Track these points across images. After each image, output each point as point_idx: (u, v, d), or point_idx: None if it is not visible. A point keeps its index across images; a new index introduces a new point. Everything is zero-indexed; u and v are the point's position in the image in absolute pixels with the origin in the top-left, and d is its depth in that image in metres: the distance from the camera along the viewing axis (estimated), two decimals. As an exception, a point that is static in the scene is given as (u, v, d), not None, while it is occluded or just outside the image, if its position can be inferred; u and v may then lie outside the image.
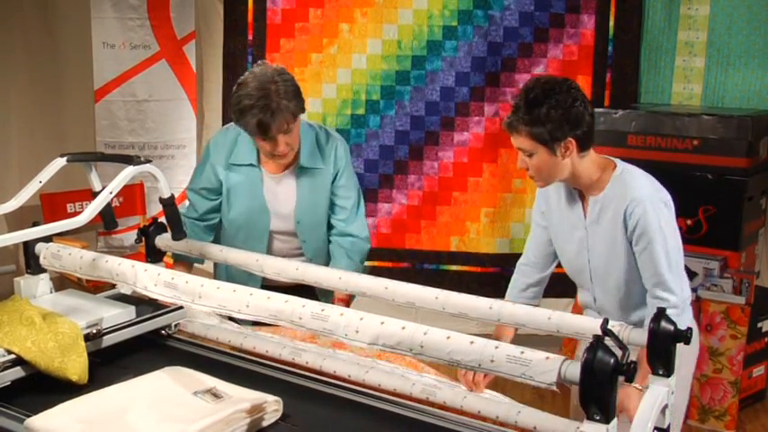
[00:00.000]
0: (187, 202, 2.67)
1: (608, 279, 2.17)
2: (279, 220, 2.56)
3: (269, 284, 2.27)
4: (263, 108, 2.27)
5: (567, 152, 2.07)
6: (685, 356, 2.16)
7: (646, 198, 2.07)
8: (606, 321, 1.40)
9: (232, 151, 2.53)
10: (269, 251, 2.54)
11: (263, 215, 2.54)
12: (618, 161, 2.20)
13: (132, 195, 4.37)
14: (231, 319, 2.20)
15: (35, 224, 1.94)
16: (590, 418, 1.28)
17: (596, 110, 3.86)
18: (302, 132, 2.47)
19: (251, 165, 2.52)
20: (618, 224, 2.11)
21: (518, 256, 2.42)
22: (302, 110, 2.38)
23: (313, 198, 2.55)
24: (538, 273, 2.36)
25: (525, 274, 2.39)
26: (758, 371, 3.75)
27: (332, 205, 2.60)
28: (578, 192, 2.21)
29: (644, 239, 2.06)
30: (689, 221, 3.55)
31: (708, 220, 3.57)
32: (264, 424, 1.68)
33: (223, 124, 4.40)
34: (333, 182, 2.57)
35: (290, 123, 2.34)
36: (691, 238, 3.56)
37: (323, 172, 2.54)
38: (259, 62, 2.43)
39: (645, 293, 2.10)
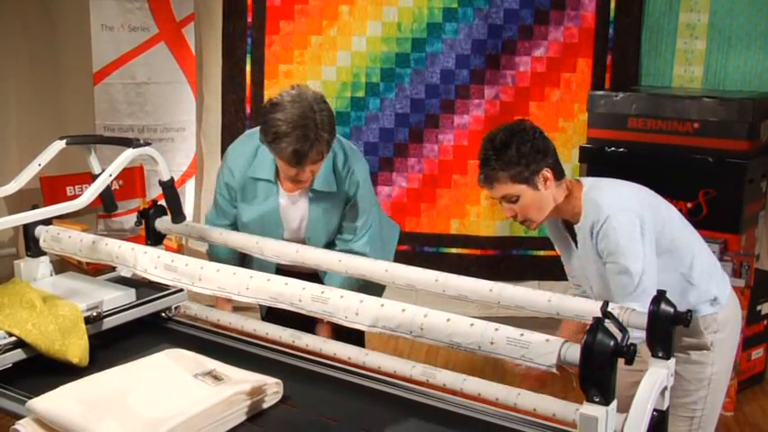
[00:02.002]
0: (214, 210, 2.61)
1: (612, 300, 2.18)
2: (290, 234, 2.53)
3: (286, 272, 2.22)
4: (301, 138, 2.20)
5: (547, 183, 2.11)
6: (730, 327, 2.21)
7: (608, 216, 2.07)
8: (606, 304, 1.40)
9: (251, 163, 2.47)
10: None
11: (276, 229, 2.50)
12: (585, 180, 2.22)
13: (132, 178, 4.37)
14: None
15: (35, 207, 1.94)
16: (589, 399, 1.28)
17: (597, 93, 3.89)
18: None
19: (268, 180, 2.47)
20: (593, 247, 2.14)
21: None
22: (335, 139, 2.34)
23: (324, 219, 2.50)
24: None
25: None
26: (757, 353, 3.77)
27: (340, 223, 2.55)
28: (564, 224, 2.25)
29: (610, 257, 2.09)
30: (689, 204, 3.55)
31: (708, 202, 3.57)
32: (265, 406, 1.69)
33: (222, 107, 4.41)
34: (344, 205, 2.52)
35: (325, 154, 2.30)
36: (690, 220, 3.53)
37: (336, 195, 2.48)
38: (295, 85, 2.33)
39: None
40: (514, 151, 2.08)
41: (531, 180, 2.10)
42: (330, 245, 2.54)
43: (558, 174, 2.15)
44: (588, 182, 2.21)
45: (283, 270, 2.25)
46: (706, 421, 2.22)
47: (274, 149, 2.27)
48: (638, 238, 2.06)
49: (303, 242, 2.49)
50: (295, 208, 2.51)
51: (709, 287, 2.19)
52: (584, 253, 2.20)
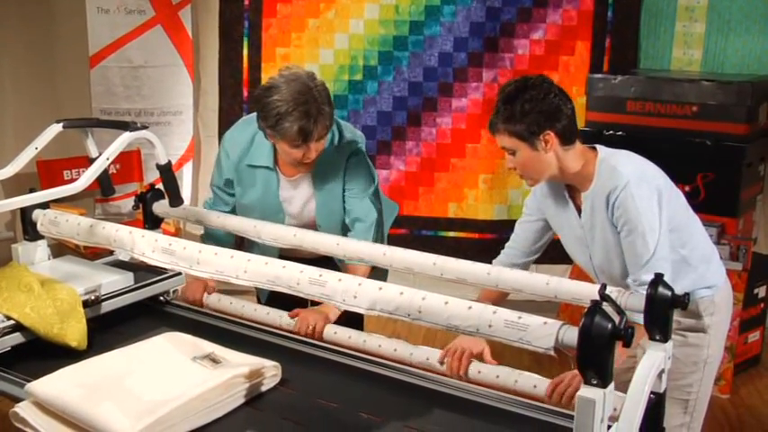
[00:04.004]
0: (211, 199, 2.59)
1: (613, 273, 2.13)
2: (293, 219, 2.49)
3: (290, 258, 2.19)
4: (304, 114, 2.18)
5: (549, 146, 2.04)
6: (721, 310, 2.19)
7: (627, 183, 2.02)
8: (604, 287, 1.40)
9: (248, 150, 2.44)
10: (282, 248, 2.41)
11: (276, 215, 2.46)
12: (600, 148, 2.15)
13: (129, 162, 4.35)
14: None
15: (32, 191, 1.94)
16: (587, 382, 1.29)
17: (595, 76, 3.88)
18: None
19: (267, 167, 2.44)
20: (607, 215, 2.07)
21: (515, 222, 2.40)
22: (334, 111, 2.32)
23: (332, 202, 2.47)
24: (524, 258, 2.33)
25: (512, 257, 2.33)
26: (753, 336, 3.78)
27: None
28: (569, 190, 2.17)
29: (626, 226, 2.03)
30: (687, 188, 3.54)
31: (706, 186, 3.56)
32: (263, 389, 1.69)
33: (219, 90, 4.39)
34: (343, 185, 2.48)
35: (329, 128, 2.27)
36: (689, 204, 3.56)
37: (336, 177, 2.45)
38: (285, 67, 2.32)
39: None
40: (518, 107, 2.02)
41: (529, 139, 2.04)
42: (339, 225, 2.49)
43: (567, 138, 2.06)
44: (604, 150, 2.14)
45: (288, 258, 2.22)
46: (700, 404, 2.22)
47: (278, 132, 2.22)
48: (656, 209, 2.02)
49: (311, 228, 2.44)
50: (297, 193, 2.48)
51: (707, 271, 2.19)
52: (589, 221, 2.13)
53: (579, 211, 2.15)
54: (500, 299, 2.10)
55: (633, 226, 2.01)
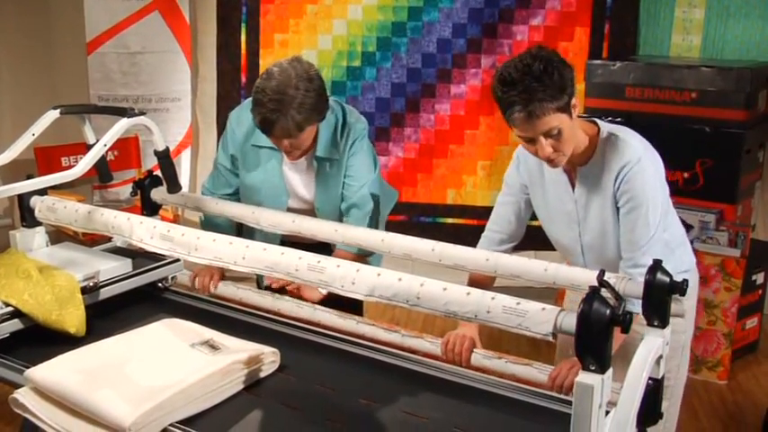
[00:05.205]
0: (212, 180, 2.59)
1: (604, 252, 2.09)
2: (296, 201, 2.50)
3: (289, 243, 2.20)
4: (271, 110, 2.19)
5: (575, 110, 1.94)
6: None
7: (640, 158, 1.97)
8: (603, 273, 1.40)
9: (254, 130, 2.43)
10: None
11: (280, 196, 2.48)
12: (600, 123, 2.07)
13: (127, 149, 4.34)
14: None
15: (29, 177, 1.93)
16: (585, 368, 1.29)
17: (594, 62, 3.87)
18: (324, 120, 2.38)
19: (271, 148, 2.44)
20: (609, 192, 2.01)
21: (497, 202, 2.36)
22: (318, 120, 2.31)
23: (332, 187, 2.47)
24: (508, 243, 2.26)
25: (494, 241, 2.27)
26: (751, 322, 3.79)
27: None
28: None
29: (630, 203, 1.98)
30: (686, 174, 3.55)
31: (705, 172, 3.57)
32: (262, 375, 1.70)
33: (217, 77, 4.38)
34: (344, 171, 2.48)
35: (294, 133, 2.25)
36: (687, 190, 3.55)
37: (339, 162, 2.46)
38: (293, 58, 2.31)
39: None
40: (558, 77, 1.85)
41: (570, 109, 1.90)
42: (337, 210, 2.50)
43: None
44: (605, 124, 2.05)
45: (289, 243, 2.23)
46: (678, 389, 2.21)
47: (252, 115, 2.27)
48: (660, 189, 2.00)
49: (313, 211, 2.48)
50: (299, 175, 2.49)
51: (684, 254, 2.18)
52: (584, 196, 2.07)
53: (572, 185, 2.09)
54: (488, 282, 2.05)
55: (638, 203, 1.96)
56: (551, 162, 1.97)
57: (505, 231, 2.24)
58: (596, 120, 2.08)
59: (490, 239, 2.26)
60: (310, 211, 2.48)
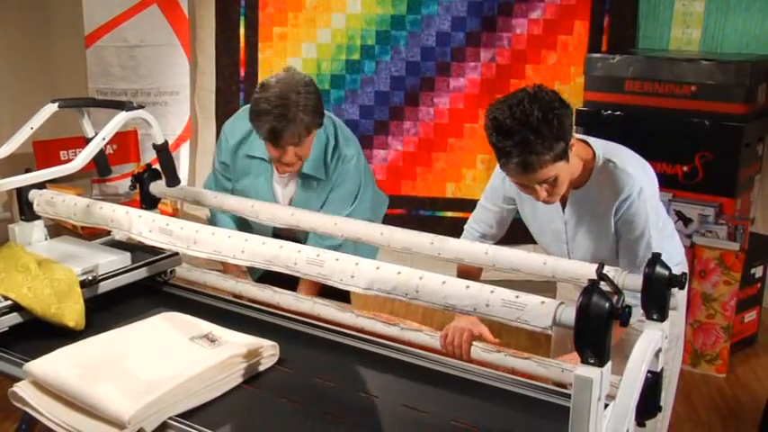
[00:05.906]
0: (213, 180, 2.64)
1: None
2: None
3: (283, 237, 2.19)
4: (278, 117, 2.22)
5: (573, 149, 1.91)
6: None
7: (642, 189, 1.96)
8: (602, 266, 1.40)
9: (247, 140, 2.49)
10: (274, 233, 2.41)
11: None
12: (594, 145, 2.02)
13: (126, 142, 4.34)
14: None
15: (28, 171, 1.93)
16: (584, 361, 1.29)
17: (594, 55, 3.87)
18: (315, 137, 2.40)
19: (262, 159, 2.48)
20: (605, 221, 2.01)
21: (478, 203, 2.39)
22: (319, 125, 2.33)
23: (309, 205, 2.45)
24: (489, 241, 2.28)
25: (474, 239, 2.29)
26: (750, 316, 3.79)
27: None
28: None
29: (633, 233, 1.99)
30: (685, 168, 3.54)
31: (704, 166, 3.56)
32: (261, 368, 1.70)
33: (216, 70, 4.37)
34: (328, 191, 2.52)
35: (303, 137, 2.28)
36: (687, 184, 3.55)
37: (324, 182, 2.49)
38: (287, 67, 2.36)
39: None
40: (557, 126, 1.79)
41: (566, 154, 1.86)
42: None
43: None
44: (598, 146, 2.02)
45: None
46: (673, 380, 2.22)
47: (256, 128, 2.30)
48: (657, 204, 2.02)
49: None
50: (285, 190, 2.54)
51: (674, 246, 2.19)
52: (574, 218, 2.08)
53: (563, 205, 2.09)
54: (476, 272, 2.11)
55: (641, 232, 1.99)
56: (546, 201, 1.96)
57: (487, 233, 2.31)
58: (589, 141, 2.04)
59: (472, 236, 2.31)
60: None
